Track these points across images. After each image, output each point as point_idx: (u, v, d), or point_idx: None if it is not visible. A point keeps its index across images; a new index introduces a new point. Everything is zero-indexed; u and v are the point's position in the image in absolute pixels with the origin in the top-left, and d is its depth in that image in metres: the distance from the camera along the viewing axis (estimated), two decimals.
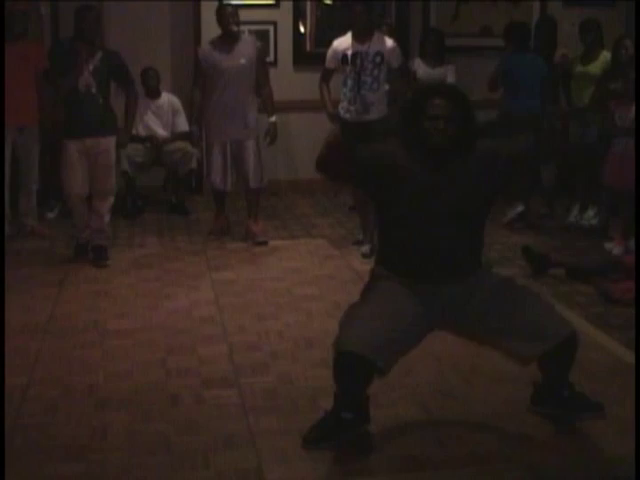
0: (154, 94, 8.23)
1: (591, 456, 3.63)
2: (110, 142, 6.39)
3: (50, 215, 7.86)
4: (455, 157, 3.61)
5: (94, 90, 6.21)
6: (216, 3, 8.58)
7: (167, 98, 8.29)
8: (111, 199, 6.53)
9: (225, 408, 4.03)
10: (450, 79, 8.13)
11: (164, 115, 8.26)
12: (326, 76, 7.09)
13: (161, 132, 8.22)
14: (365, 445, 3.64)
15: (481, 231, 3.76)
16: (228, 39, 6.89)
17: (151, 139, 8.14)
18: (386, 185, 3.62)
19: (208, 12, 8.62)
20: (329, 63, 7.00)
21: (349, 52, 6.76)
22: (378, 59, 6.74)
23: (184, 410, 4.03)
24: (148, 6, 8.55)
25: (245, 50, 6.92)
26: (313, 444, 3.62)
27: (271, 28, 8.85)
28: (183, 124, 8.25)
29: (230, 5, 7.24)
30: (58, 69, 6.27)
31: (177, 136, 8.21)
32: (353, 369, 3.50)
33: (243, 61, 6.87)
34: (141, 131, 8.15)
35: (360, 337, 3.45)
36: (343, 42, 6.87)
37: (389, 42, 6.85)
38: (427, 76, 8.09)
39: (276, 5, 8.88)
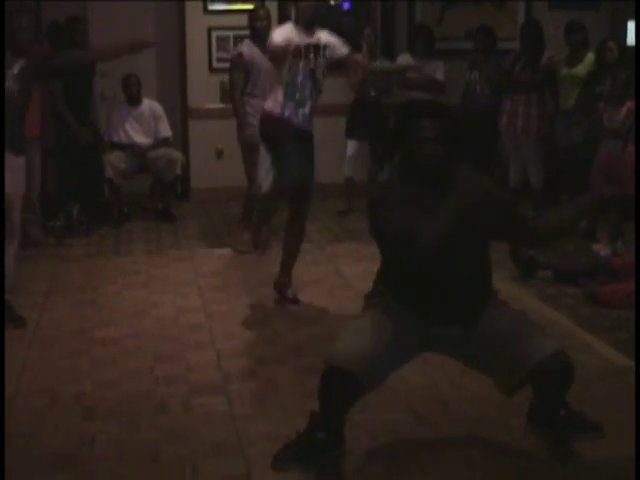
0: (135, 101, 8.15)
1: (584, 459, 3.62)
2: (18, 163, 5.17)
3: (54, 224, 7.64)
4: (445, 181, 3.40)
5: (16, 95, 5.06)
6: (201, 7, 8.62)
7: (148, 104, 8.21)
8: (15, 242, 5.28)
9: (213, 415, 4.02)
10: (439, 76, 8.15)
11: (145, 122, 8.17)
12: None
13: (143, 139, 8.15)
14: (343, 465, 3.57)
15: (485, 267, 3.65)
16: (258, 40, 6.72)
17: (132, 147, 8.09)
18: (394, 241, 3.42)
19: (193, 17, 8.64)
20: None
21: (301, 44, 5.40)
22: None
23: (172, 418, 4.02)
24: (133, 11, 8.53)
25: None
26: (283, 464, 3.48)
27: None
28: (165, 130, 8.21)
29: (263, 7, 7.13)
30: None
31: (160, 142, 8.17)
32: (339, 385, 3.37)
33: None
34: (123, 138, 8.11)
35: (352, 354, 3.33)
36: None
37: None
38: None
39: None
